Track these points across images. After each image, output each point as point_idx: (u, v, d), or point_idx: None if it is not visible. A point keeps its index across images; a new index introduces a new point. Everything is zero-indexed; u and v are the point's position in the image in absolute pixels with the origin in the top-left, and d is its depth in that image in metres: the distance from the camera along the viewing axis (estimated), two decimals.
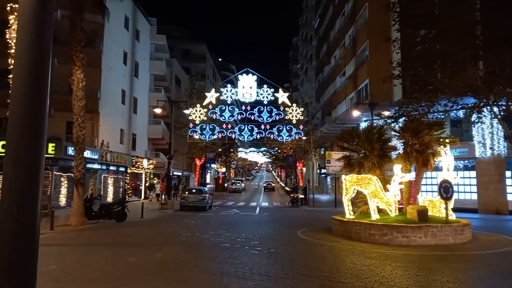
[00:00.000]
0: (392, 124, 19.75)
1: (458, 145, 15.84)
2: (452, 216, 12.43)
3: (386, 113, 23.87)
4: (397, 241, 11.14)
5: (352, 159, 14.98)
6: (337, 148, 34.96)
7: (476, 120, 17.68)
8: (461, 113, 22.91)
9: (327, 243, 11.49)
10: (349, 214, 13.24)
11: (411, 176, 13.63)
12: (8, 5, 12.71)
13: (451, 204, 12.39)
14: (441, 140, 13.44)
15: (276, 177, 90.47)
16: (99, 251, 10.05)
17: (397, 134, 14.53)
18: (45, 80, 1.80)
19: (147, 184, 34.52)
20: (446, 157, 13.27)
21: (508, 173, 23.63)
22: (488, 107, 16.82)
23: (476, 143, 24.26)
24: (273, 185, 57.94)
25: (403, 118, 19.52)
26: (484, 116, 17.58)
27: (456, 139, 14.22)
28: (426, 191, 25.01)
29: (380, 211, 12.82)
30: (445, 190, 11.91)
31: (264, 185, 57.56)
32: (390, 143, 15.12)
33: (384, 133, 15.02)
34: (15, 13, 12.43)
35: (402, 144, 14.26)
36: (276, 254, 9.93)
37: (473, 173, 24.66)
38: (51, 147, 19.98)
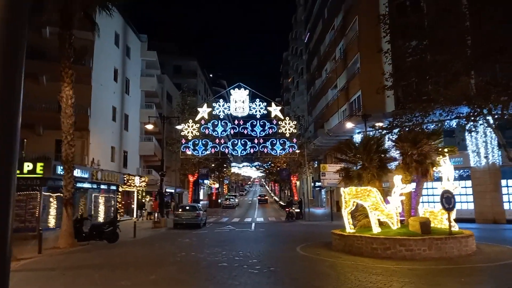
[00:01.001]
0: (388, 136, 19.57)
1: (456, 154, 15.69)
2: (455, 227, 12.14)
3: (380, 124, 23.76)
4: (401, 255, 10.78)
5: (350, 171, 14.68)
6: (332, 160, 34.79)
7: (473, 129, 17.61)
8: (454, 123, 22.90)
9: (328, 259, 11.07)
10: (349, 228, 12.85)
11: (412, 187, 13.35)
12: None
13: (453, 215, 12.12)
14: (440, 149, 13.25)
15: (270, 192, 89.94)
16: (90, 275, 9.52)
17: (396, 144, 14.31)
18: (16, 91, 1.52)
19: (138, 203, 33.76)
20: (445, 167, 13.07)
21: (503, 182, 23.56)
22: (482, 116, 16.74)
23: (471, 153, 24.20)
24: (266, 197, 65.07)
25: (397, 129, 19.36)
26: (481, 124, 17.49)
27: (454, 148, 14.07)
28: (423, 202, 24.75)
29: (381, 224, 12.49)
30: (447, 200, 11.64)
31: (258, 198, 64.75)
32: (387, 154, 14.88)
33: (382, 144, 14.81)
34: None
35: (400, 154, 14.02)
36: (276, 272, 9.50)
37: (468, 183, 24.53)
38: (39, 167, 19.36)
